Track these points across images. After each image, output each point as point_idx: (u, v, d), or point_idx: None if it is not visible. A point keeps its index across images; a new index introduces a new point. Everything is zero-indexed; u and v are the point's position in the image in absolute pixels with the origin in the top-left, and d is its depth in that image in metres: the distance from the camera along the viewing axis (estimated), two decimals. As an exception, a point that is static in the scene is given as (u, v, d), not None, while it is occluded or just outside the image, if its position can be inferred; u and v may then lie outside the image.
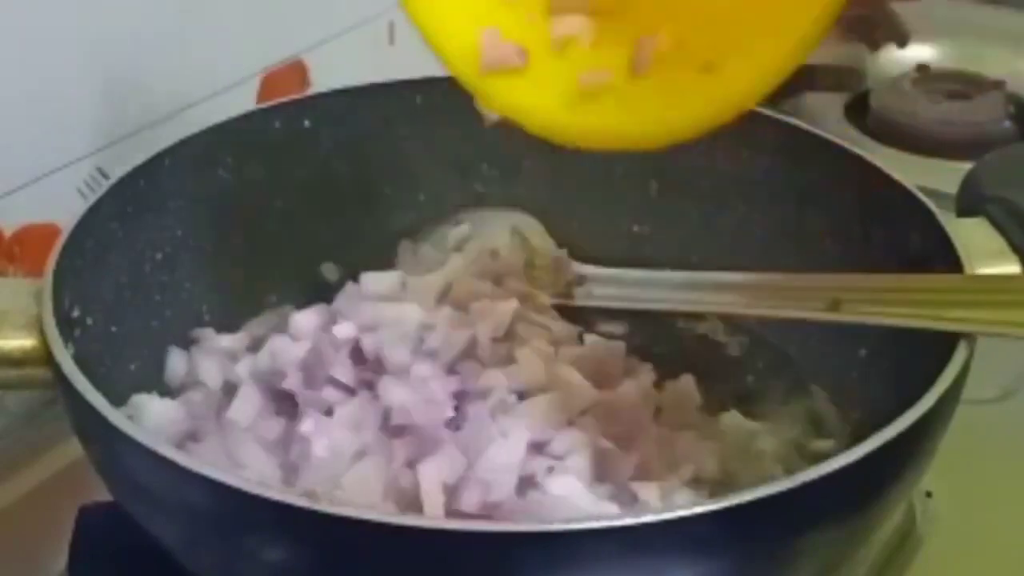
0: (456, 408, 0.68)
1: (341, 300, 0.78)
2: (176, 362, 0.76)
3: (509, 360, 0.72)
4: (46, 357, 0.61)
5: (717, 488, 0.68)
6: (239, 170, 0.80)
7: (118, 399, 0.66)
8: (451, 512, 0.62)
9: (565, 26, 0.62)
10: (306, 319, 0.76)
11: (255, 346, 0.76)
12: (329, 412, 0.68)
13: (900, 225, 0.72)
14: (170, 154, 0.75)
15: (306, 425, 0.67)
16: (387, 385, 0.69)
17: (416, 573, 0.52)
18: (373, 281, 0.78)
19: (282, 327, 0.76)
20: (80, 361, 0.60)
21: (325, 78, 0.97)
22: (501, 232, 0.85)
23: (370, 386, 0.70)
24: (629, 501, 0.65)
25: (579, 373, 0.72)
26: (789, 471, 0.67)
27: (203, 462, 0.54)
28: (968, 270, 0.66)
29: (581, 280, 0.81)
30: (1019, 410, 0.86)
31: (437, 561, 0.51)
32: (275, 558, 0.54)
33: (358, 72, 0.86)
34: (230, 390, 0.72)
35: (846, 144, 0.77)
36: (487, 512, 0.62)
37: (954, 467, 0.69)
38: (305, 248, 0.84)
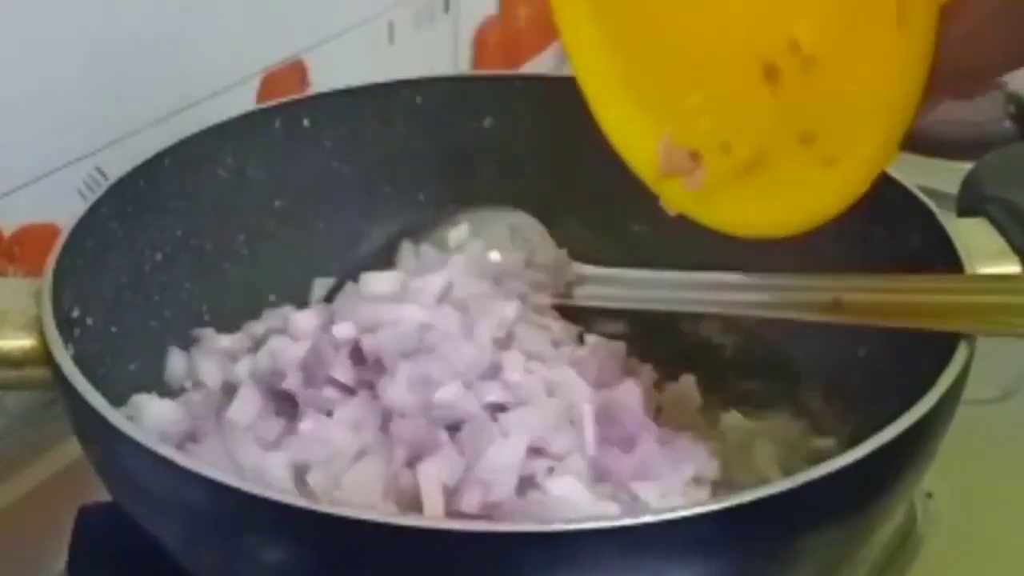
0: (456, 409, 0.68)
1: (341, 300, 0.78)
2: (176, 362, 0.76)
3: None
4: (46, 357, 0.61)
5: (717, 488, 0.68)
6: (239, 170, 0.80)
7: (118, 399, 0.66)
8: (451, 512, 0.62)
9: None
10: (306, 319, 0.76)
11: (255, 346, 0.76)
12: (329, 412, 0.68)
13: (900, 225, 0.72)
14: (170, 154, 0.75)
15: (306, 425, 0.67)
16: (386, 385, 0.68)
17: (416, 573, 0.52)
18: (373, 281, 0.77)
19: (282, 327, 0.76)
20: (80, 361, 0.59)
21: (325, 78, 0.97)
22: (501, 232, 0.85)
23: (370, 386, 0.70)
24: (629, 501, 0.65)
25: (579, 374, 0.72)
26: (789, 472, 0.67)
27: (203, 462, 0.54)
28: (968, 270, 0.66)
29: (581, 280, 0.81)
30: (1019, 410, 0.86)
31: (437, 561, 0.51)
32: (275, 558, 0.54)
33: (358, 72, 0.87)
34: (230, 390, 0.72)
35: None
36: (487, 512, 0.62)
37: (955, 467, 0.69)
38: (305, 248, 0.84)
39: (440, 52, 1.12)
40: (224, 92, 0.90)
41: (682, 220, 0.78)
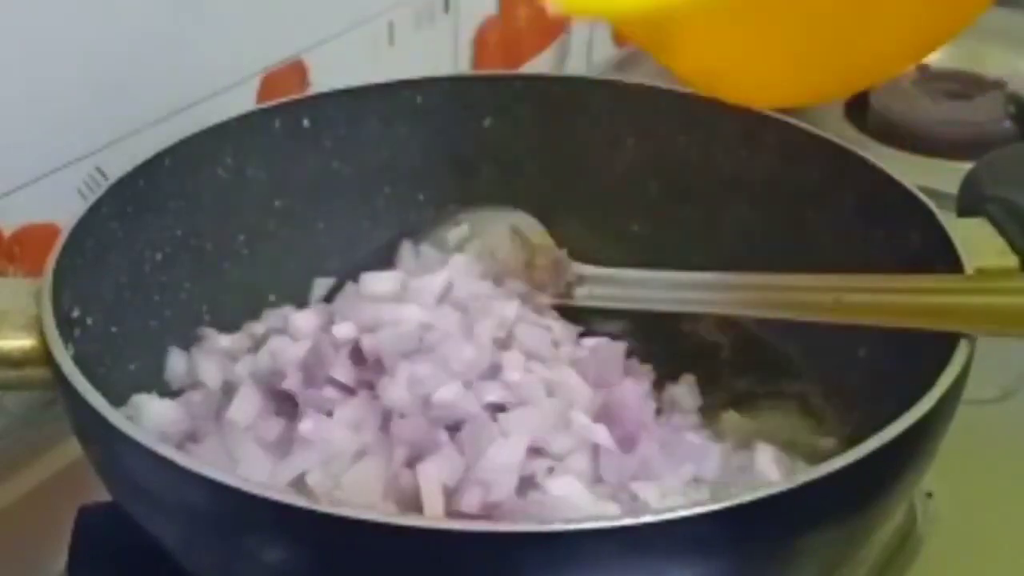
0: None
1: (341, 300, 0.78)
2: (176, 362, 0.76)
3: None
4: (45, 357, 0.61)
5: (717, 489, 0.68)
6: (239, 170, 0.80)
7: (118, 399, 0.66)
8: (451, 513, 0.62)
9: None
10: (305, 319, 0.75)
11: (255, 346, 0.75)
12: (329, 412, 0.68)
13: (900, 225, 0.72)
14: (170, 154, 0.75)
15: (306, 425, 0.67)
16: (386, 385, 0.68)
17: (416, 574, 0.52)
18: (373, 281, 0.77)
19: (282, 327, 0.76)
20: (80, 361, 0.59)
21: (325, 78, 0.97)
22: (501, 232, 0.84)
23: (370, 386, 0.69)
24: (629, 501, 0.65)
25: (579, 374, 0.72)
26: (789, 472, 0.68)
27: (203, 462, 0.54)
28: (968, 270, 0.66)
29: (581, 280, 0.81)
30: (1019, 410, 0.86)
31: (437, 562, 0.51)
32: (275, 559, 0.54)
33: (358, 72, 0.86)
34: (230, 390, 0.71)
35: (846, 144, 0.77)
36: (487, 512, 0.62)
37: (955, 467, 0.69)
38: (305, 248, 0.84)
39: (440, 52, 1.12)
40: (224, 92, 0.90)
41: (683, 220, 0.78)
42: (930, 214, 0.70)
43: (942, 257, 0.67)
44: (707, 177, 0.83)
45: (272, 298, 0.82)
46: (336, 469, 0.65)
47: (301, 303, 0.82)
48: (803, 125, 0.79)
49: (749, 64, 0.56)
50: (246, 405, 0.70)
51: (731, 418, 0.75)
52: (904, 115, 1.17)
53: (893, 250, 0.72)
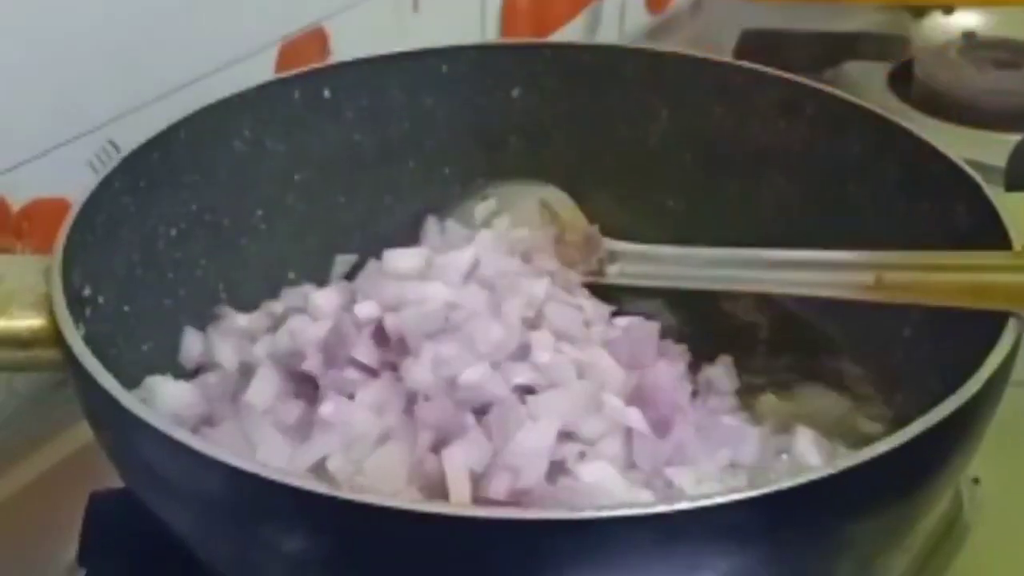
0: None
1: (363, 278, 0.77)
2: (191, 343, 0.75)
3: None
4: (55, 337, 0.60)
5: (755, 474, 0.67)
6: (257, 142, 0.79)
7: (131, 381, 0.65)
8: (478, 499, 0.61)
9: None
10: (326, 298, 0.74)
11: (273, 326, 0.75)
12: (351, 395, 0.67)
13: (945, 199, 0.71)
14: (185, 126, 0.74)
15: (326, 408, 0.66)
16: (410, 367, 0.67)
17: (441, 562, 0.51)
18: (396, 258, 0.76)
19: (302, 306, 0.75)
20: (91, 341, 0.58)
21: (346, 47, 0.96)
22: (530, 207, 0.84)
23: (393, 367, 0.68)
24: (664, 488, 0.64)
25: (611, 355, 0.71)
26: (830, 457, 0.68)
27: (219, 447, 0.52)
28: (1016, 246, 0.64)
29: (613, 257, 0.80)
30: (1069, 392, 0.84)
31: (463, 550, 0.50)
32: (294, 547, 0.53)
33: (381, 40, 0.86)
34: (247, 372, 0.71)
35: (889, 115, 0.76)
36: (515, 499, 0.61)
37: (1002, 452, 0.67)
38: (325, 224, 0.83)
39: (467, 19, 1.11)
40: (241, 62, 0.89)
41: (719, 194, 0.77)
42: (977, 188, 0.69)
43: (989, 232, 0.66)
44: (743, 149, 0.82)
45: (291, 275, 0.81)
46: (358, 454, 0.64)
47: (321, 281, 0.81)
48: (844, 95, 0.78)
49: None
50: (264, 387, 0.69)
51: (769, 400, 0.74)
52: (949, 85, 1.16)
53: (937, 225, 0.71)
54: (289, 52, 0.93)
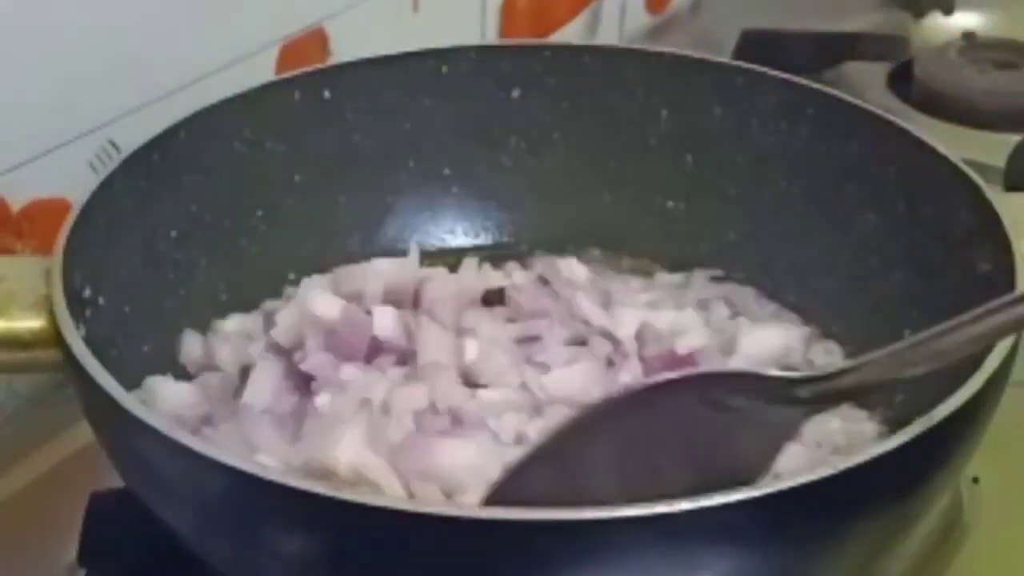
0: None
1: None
2: (191, 344, 0.75)
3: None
4: (55, 338, 0.60)
5: None
6: (257, 144, 0.79)
7: (131, 382, 0.65)
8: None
9: None
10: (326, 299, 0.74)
11: (271, 326, 0.74)
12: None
13: (946, 200, 0.71)
14: (185, 127, 0.74)
15: (321, 399, 0.67)
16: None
17: (440, 562, 0.51)
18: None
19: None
20: (91, 342, 0.58)
21: (346, 47, 0.96)
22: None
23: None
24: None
25: None
26: (831, 457, 0.67)
27: (219, 448, 0.52)
28: (1016, 246, 0.64)
29: None
30: (1069, 393, 0.84)
31: (462, 550, 0.50)
32: (292, 547, 0.53)
33: (381, 41, 0.86)
34: (247, 372, 0.71)
35: (889, 116, 0.76)
36: None
37: (1002, 452, 0.67)
38: (326, 225, 0.83)
39: (467, 19, 1.10)
40: (241, 62, 0.89)
41: (718, 195, 0.77)
42: (977, 188, 0.69)
43: (989, 233, 0.66)
44: (743, 151, 0.82)
45: (292, 276, 0.81)
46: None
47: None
48: (843, 96, 0.78)
49: None
50: (262, 387, 0.69)
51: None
52: (949, 85, 1.15)
53: (938, 225, 0.71)
54: (289, 52, 0.93)
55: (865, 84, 1.14)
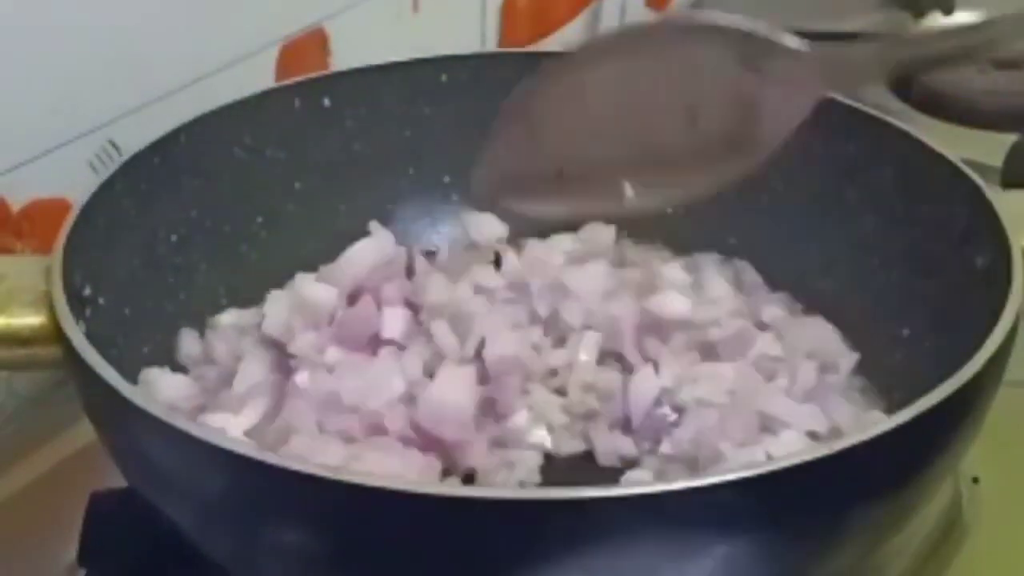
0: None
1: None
2: (190, 345, 0.75)
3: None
4: (55, 335, 0.60)
5: None
6: (257, 149, 0.79)
7: (129, 380, 0.62)
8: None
9: None
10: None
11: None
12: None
13: (945, 199, 0.71)
14: (186, 131, 0.75)
15: (301, 377, 0.68)
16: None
17: (440, 543, 0.51)
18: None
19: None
20: (91, 340, 0.58)
21: (347, 47, 0.96)
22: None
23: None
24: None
25: None
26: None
27: (220, 433, 0.53)
28: (1015, 244, 0.64)
29: None
30: (1070, 395, 0.84)
31: (461, 530, 0.50)
32: (294, 532, 0.53)
33: (381, 41, 0.86)
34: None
35: (888, 117, 0.76)
36: None
37: (1002, 452, 0.68)
38: (326, 231, 0.83)
39: (467, 19, 1.10)
40: (241, 62, 0.89)
41: (718, 198, 0.77)
42: (976, 188, 0.69)
43: (988, 232, 0.66)
44: (742, 152, 0.81)
45: (290, 282, 0.80)
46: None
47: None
48: (841, 96, 0.77)
49: None
50: (251, 373, 0.70)
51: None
52: (949, 85, 1.14)
53: (937, 225, 0.71)
54: (289, 53, 0.93)
55: (865, 84, 1.15)
